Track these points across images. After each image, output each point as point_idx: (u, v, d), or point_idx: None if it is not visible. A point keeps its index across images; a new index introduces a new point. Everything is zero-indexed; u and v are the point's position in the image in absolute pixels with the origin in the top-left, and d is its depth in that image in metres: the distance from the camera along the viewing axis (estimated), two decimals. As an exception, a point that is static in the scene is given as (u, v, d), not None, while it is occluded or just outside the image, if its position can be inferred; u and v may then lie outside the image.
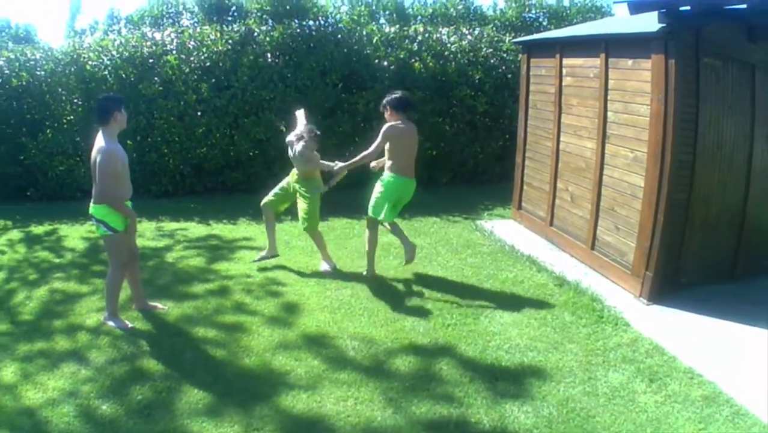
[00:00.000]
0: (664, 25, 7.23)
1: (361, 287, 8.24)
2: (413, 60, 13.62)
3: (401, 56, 13.50)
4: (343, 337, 6.84)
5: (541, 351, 6.61)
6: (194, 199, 12.76)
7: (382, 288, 8.28)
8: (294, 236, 10.31)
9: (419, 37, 14.11)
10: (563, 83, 9.76)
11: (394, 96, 8.33)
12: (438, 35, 14.43)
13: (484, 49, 14.49)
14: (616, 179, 8.55)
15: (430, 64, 13.64)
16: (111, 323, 7.04)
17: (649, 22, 7.43)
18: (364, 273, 8.67)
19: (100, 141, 6.58)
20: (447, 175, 14.52)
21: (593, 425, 5.35)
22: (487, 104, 14.12)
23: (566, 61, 9.67)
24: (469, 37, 14.69)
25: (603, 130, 8.72)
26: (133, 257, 7.23)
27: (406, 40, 13.92)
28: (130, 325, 7.02)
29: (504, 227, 11.00)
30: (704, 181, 7.89)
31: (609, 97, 8.61)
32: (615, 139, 8.53)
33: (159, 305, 7.56)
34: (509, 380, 6.05)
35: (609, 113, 8.62)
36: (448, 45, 14.26)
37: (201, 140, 12.78)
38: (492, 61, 14.43)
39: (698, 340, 6.86)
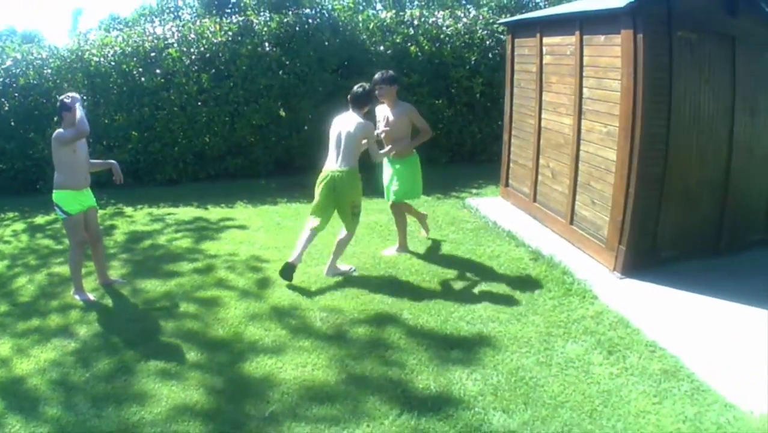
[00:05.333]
0: (632, 0, 7.11)
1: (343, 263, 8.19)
2: (409, 44, 13.62)
3: (397, 41, 13.53)
4: (313, 309, 6.94)
5: (502, 322, 6.59)
6: (197, 186, 12.87)
7: (361, 265, 8.27)
8: (285, 217, 10.53)
9: (416, 22, 14.12)
10: (543, 62, 9.68)
11: (390, 72, 8.33)
12: (434, 19, 14.40)
13: (480, 31, 14.42)
14: (591, 154, 8.46)
15: (426, 47, 13.64)
16: (77, 297, 7.40)
17: (624, -1, 7.32)
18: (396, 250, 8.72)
19: None
20: (446, 156, 14.48)
21: (539, 394, 5.31)
22: (483, 85, 14.08)
23: (546, 40, 9.59)
24: (465, 20, 14.63)
25: (579, 107, 8.64)
26: (96, 238, 7.70)
27: (403, 25, 13.94)
28: (93, 298, 7.40)
29: (491, 204, 10.94)
30: (680, 155, 7.73)
31: (584, 74, 8.52)
32: (590, 114, 8.44)
33: (119, 280, 7.96)
34: (464, 349, 6.06)
35: (584, 89, 8.54)
36: (444, 28, 14.24)
37: (203, 129, 12.92)
38: (488, 42, 14.35)
39: (668, 314, 6.73)
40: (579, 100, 8.61)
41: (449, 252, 8.74)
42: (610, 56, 7.82)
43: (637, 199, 7.50)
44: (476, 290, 7.44)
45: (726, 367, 5.66)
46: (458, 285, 7.63)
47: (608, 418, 5.01)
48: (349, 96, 7.91)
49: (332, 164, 7.76)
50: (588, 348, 6.02)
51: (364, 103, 7.84)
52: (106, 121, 12.55)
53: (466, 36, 14.23)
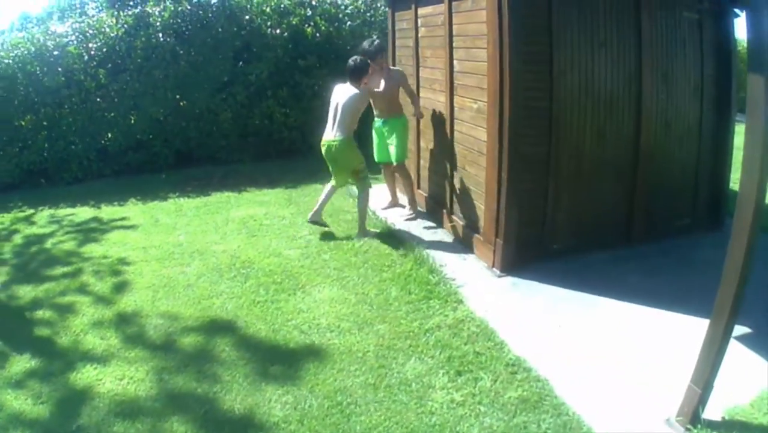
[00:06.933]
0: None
1: (198, 264, 7.14)
2: (306, 25, 12.13)
3: (294, 22, 12.03)
4: (153, 315, 5.97)
5: (342, 332, 5.41)
6: (102, 183, 11.52)
7: (218, 263, 7.12)
8: (168, 214, 9.22)
9: (314, 2, 12.57)
10: (419, 35, 8.22)
11: (376, 42, 7.99)
12: (333, -2, 12.83)
13: (382, 8, 12.79)
14: (464, 135, 7.06)
15: (323, 27, 12.13)
16: None
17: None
18: (409, 213, 8.33)
19: None
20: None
21: (352, 425, 4.20)
22: (387, 63, 12.56)
23: (420, 11, 8.12)
24: (365, -5, 13.05)
25: (450, 82, 7.24)
26: None
27: (300, 7, 12.39)
28: None
29: (378, 192, 9.18)
30: (570, 132, 6.35)
31: (454, 45, 7.12)
32: (461, 90, 7.04)
33: None
34: (285, 365, 5.00)
35: (455, 62, 7.13)
36: (343, 7, 12.73)
37: (103, 125, 11.60)
38: (390, 18, 12.79)
39: (546, 322, 5.35)
40: (450, 75, 7.22)
41: (314, 248, 7.40)
42: (478, 22, 6.42)
43: (510, 185, 6.09)
44: (326, 294, 6.16)
45: (611, 394, 4.30)
46: (308, 287, 6.33)
47: (431, 463, 3.75)
48: (346, 69, 7.63)
49: (329, 134, 7.50)
50: (433, 367, 4.80)
51: (359, 76, 7.49)
52: (17, 123, 11.30)
53: (368, 14, 12.75)
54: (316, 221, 7.74)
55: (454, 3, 6.97)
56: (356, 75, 7.47)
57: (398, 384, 4.58)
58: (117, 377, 4.97)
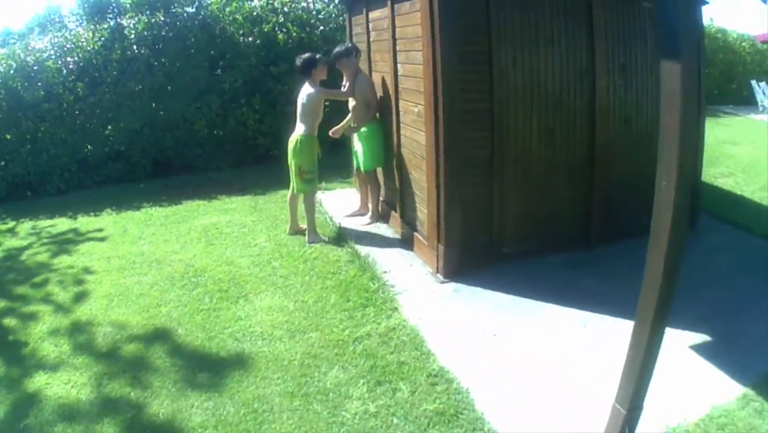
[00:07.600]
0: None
1: (155, 273, 7.23)
2: (278, 32, 12.21)
3: (265, 30, 12.13)
4: (104, 324, 6.08)
5: (273, 339, 5.46)
6: (82, 194, 11.69)
7: (173, 272, 7.21)
8: (137, 223, 9.34)
9: (286, 8, 12.62)
10: (370, 39, 8.27)
11: (348, 45, 8.05)
12: (305, 3, 12.91)
13: (353, 12, 12.89)
14: (409, 139, 7.10)
15: (295, 34, 12.21)
16: None
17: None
18: (368, 221, 8.33)
19: None
20: (325, 144, 13.03)
21: (263, 432, 4.26)
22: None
23: (371, 15, 8.14)
24: (336, 1, 13.04)
25: (395, 85, 7.29)
26: None
27: (273, 13, 12.49)
28: None
29: (339, 198, 9.45)
30: (515, 132, 6.29)
31: (397, 48, 7.15)
32: (404, 93, 7.09)
33: None
34: (212, 372, 5.08)
35: (398, 66, 7.17)
36: (314, 12, 12.81)
37: (83, 137, 11.78)
38: (365, 23, 12.85)
39: (482, 330, 5.24)
40: (395, 79, 7.26)
41: (266, 255, 7.45)
42: (415, 24, 6.39)
43: (450, 189, 6.07)
44: (267, 302, 6.22)
45: (537, 410, 4.16)
46: (251, 295, 6.39)
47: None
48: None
49: (294, 132, 7.65)
50: (354, 376, 4.79)
51: (307, 71, 7.58)
52: (1, 137, 11.53)
53: (340, 18, 12.69)
54: (296, 231, 7.96)
55: (396, 6, 6.99)
56: (305, 72, 7.59)
57: (316, 393, 4.61)
58: (63, 382, 5.11)
